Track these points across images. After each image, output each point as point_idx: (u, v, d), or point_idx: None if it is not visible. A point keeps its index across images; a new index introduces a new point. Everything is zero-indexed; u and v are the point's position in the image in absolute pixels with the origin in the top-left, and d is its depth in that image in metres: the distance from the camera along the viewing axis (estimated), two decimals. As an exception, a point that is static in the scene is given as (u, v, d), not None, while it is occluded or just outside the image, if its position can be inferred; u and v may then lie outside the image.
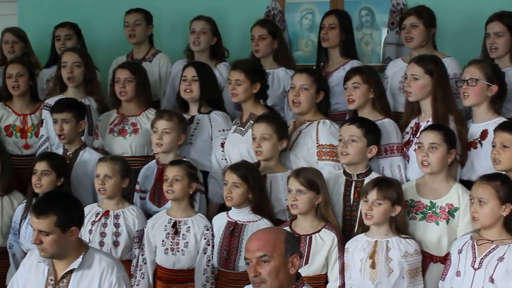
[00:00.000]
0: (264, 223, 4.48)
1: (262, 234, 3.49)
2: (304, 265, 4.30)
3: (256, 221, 4.51)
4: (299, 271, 4.10)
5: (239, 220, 4.55)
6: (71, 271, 3.77)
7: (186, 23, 5.97)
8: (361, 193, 4.35)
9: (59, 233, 3.69)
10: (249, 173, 4.52)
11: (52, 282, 3.79)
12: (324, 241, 4.33)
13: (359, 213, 4.39)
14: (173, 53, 6.18)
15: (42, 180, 4.82)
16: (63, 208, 3.75)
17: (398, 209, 4.20)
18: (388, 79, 5.36)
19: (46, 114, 5.41)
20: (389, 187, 4.20)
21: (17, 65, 5.52)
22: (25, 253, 4.79)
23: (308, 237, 4.35)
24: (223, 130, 5.14)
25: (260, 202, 4.55)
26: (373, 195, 4.18)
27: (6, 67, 5.56)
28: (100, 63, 6.12)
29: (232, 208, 4.59)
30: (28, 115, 5.56)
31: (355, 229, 4.42)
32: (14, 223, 4.96)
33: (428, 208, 4.32)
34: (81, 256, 3.77)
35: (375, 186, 4.20)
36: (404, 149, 4.71)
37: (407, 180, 4.62)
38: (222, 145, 5.10)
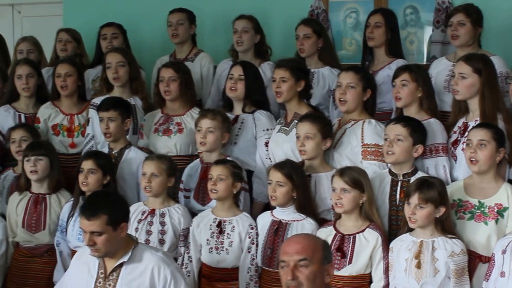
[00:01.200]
0: (309, 222, 4.48)
1: (301, 238, 3.51)
2: (348, 264, 4.29)
3: (300, 220, 4.51)
4: (343, 270, 4.15)
5: (283, 219, 4.55)
6: (120, 265, 3.82)
7: (228, 22, 5.99)
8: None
9: (110, 232, 3.76)
10: (293, 171, 4.51)
11: (102, 276, 3.85)
12: (368, 240, 4.31)
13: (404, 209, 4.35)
14: (215, 52, 6.19)
15: (88, 178, 4.86)
16: (111, 206, 3.82)
17: (442, 210, 4.16)
18: (432, 78, 5.30)
19: (92, 113, 5.45)
20: (430, 189, 4.16)
21: (66, 65, 5.56)
22: (72, 250, 4.89)
23: (352, 236, 4.33)
24: (267, 130, 5.14)
25: (305, 201, 4.54)
26: (415, 199, 4.16)
27: (55, 67, 5.61)
28: (144, 63, 6.17)
29: (277, 207, 4.59)
30: (75, 115, 5.60)
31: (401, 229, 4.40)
32: (61, 221, 5.01)
33: (476, 208, 4.28)
34: (131, 250, 3.82)
35: (417, 189, 4.17)
36: (451, 148, 4.67)
37: (453, 181, 4.58)
38: (266, 144, 5.10)
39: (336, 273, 3.89)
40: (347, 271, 4.26)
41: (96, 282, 3.86)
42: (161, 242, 4.72)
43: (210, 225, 4.66)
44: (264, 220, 4.63)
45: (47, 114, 5.57)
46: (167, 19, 6.06)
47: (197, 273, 4.71)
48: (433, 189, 4.15)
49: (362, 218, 4.38)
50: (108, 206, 3.81)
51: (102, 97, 5.44)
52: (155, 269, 3.81)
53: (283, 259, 3.35)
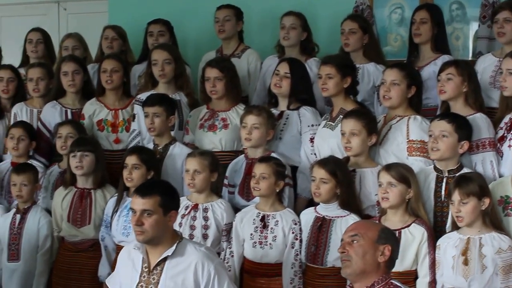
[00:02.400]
0: (353, 219, 4.45)
1: (361, 221, 3.83)
2: (395, 260, 4.27)
3: (344, 216, 4.49)
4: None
5: (327, 215, 4.54)
6: (164, 259, 3.82)
7: (275, 19, 5.98)
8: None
9: (160, 215, 3.76)
10: (337, 168, 4.50)
11: (146, 270, 3.85)
12: (414, 236, 4.29)
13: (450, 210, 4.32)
14: (262, 49, 6.17)
15: (132, 173, 4.88)
16: (166, 190, 3.87)
17: (486, 201, 4.13)
18: (478, 74, 5.23)
19: (137, 109, 5.48)
20: (469, 183, 4.13)
21: (113, 61, 5.59)
22: (117, 245, 4.93)
23: (397, 232, 4.28)
24: (312, 125, 5.12)
25: (348, 197, 4.53)
26: (456, 196, 4.13)
27: (102, 62, 5.65)
28: (190, 59, 6.19)
29: (320, 203, 4.58)
30: (120, 110, 5.62)
31: (447, 226, 4.36)
32: (106, 216, 5.04)
33: (523, 204, 4.23)
34: (175, 245, 3.82)
35: (456, 186, 4.15)
36: (498, 144, 4.61)
37: (500, 176, 4.52)
38: (311, 140, 5.08)
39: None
40: (394, 267, 4.22)
41: (140, 276, 3.87)
42: (204, 236, 4.74)
43: (254, 219, 4.66)
44: (308, 216, 4.63)
45: (92, 110, 5.61)
46: (214, 15, 6.06)
47: (239, 269, 4.72)
48: (472, 183, 4.13)
49: (408, 213, 4.36)
50: (162, 189, 3.86)
51: (147, 93, 5.46)
52: (199, 264, 3.80)
53: (341, 238, 3.49)
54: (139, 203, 3.78)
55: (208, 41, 6.55)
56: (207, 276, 3.79)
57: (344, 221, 4.44)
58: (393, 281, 3.43)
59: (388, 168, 4.38)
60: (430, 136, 4.51)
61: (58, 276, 5.13)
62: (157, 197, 3.77)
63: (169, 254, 3.81)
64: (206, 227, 4.75)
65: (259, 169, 4.67)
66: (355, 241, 3.40)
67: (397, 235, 4.25)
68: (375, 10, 6.40)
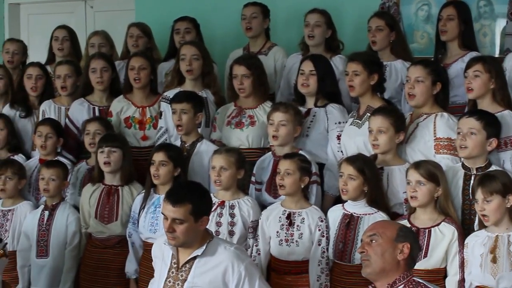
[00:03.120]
0: (381, 216, 4.45)
1: (380, 221, 3.88)
2: (423, 258, 4.24)
3: (372, 213, 4.49)
4: (417, 264, 4.09)
5: (355, 213, 4.53)
6: (194, 258, 3.84)
7: (301, 16, 5.96)
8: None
9: (192, 222, 3.78)
10: (365, 165, 4.49)
11: (175, 266, 3.88)
12: (444, 234, 4.27)
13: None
14: (288, 46, 6.17)
15: (159, 170, 4.90)
16: (197, 197, 3.85)
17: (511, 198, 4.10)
18: (506, 71, 5.20)
19: (164, 106, 5.50)
20: (492, 181, 4.10)
21: (140, 59, 5.61)
22: (144, 241, 4.95)
23: (427, 230, 4.29)
24: (339, 123, 5.11)
25: (376, 194, 4.52)
26: (479, 194, 4.10)
27: (129, 60, 5.67)
28: (216, 56, 6.17)
29: (348, 200, 4.57)
30: (147, 107, 5.65)
31: (475, 224, 4.33)
32: (133, 213, 5.06)
33: (552, 202, 4.19)
34: (205, 244, 3.84)
35: (479, 185, 4.12)
36: (526, 142, 4.59)
37: (529, 174, 4.49)
38: (338, 137, 5.07)
39: (410, 266, 3.87)
40: (422, 264, 4.21)
41: (169, 272, 3.90)
42: (231, 233, 4.75)
43: (280, 217, 4.66)
44: (336, 213, 4.62)
45: (119, 107, 5.64)
46: (241, 13, 6.07)
47: (265, 266, 4.71)
48: (495, 181, 4.10)
49: (437, 211, 4.33)
50: (194, 196, 3.84)
51: (174, 90, 5.48)
52: (229, 265, 3.81)
53: (361, 239, 3.55)
54: (170, 210, 3.79)
55: (234, 38, 6.58)
56: (238, 276, 3.81)
57: (372, 219, 4.42)
58: (415, 278, 3.45)
59: (417, 166, 4.36)
60: (459, 133, 4.48)
61: (85, 272, 5.16)
62: (188, 205, 3.78)
63: (199, 253, 3.83)
64: (232, 224, 4.76)
65: (284, 166, 4.67)
66: (373, 241, 3.44)
67: (427, 233, 4.28)
68: (402, 7, 6.38)
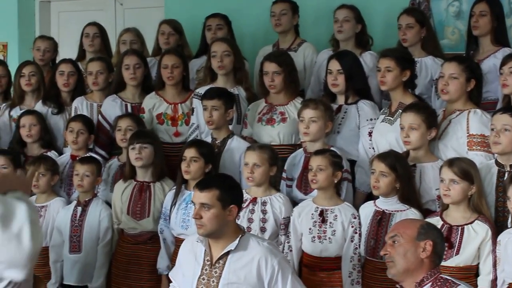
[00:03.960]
0: (413, 213, 4.43)
1: (401, 220, 3.82)
2: (455, 255, 4.23)
3: (404, 210, 4.47)
4: (449, 260, 4.09)
5: (386, 209, 4.52)
6: (227, 253, 3.85)
7: (330, 12, 5.96)
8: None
9: (219, 208, 3.79)
10: (397, 162, 4.48)
11: (209, 263, 3.88)
12: (477, 232, 4.24)
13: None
14: (317, 43, 6.16)
15: (190, 166, 4.91)
16: (225, 185, 3.88)
17: None
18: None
19: (196, 103, 5.51)
20: None
21: (173, 56, 5.62)
22: (175, 238, 4.97)
23: (460, 227, 4.27)
24: (371, 119, 5.10)
25: (408, 191, 4.50)
26: (511, 192, 4.08)
27: (162, 57, 5.69)
28: (246, 53, 6.18)
29: (380, 197, 4.57)
30: (179, 104, 5.66)
31: (508, 222, 4.31)
32: (165, 209, 5.07)
33: None
34: (238, 239, 3.84)
35: (510, 182, 4.10)
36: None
37: (562, 171, 4.46)
38: (370, 134, 5.07)
39: (442, 263, 3.85)
40: (453, 261, 4.20)
41: (202, 269, 3.89)
42: (262, 230, 4.75)
43: (312, 214, 4.66)
44: (367, 210, 4.61)
45: (152, 104, 5.66)
46: (270, 9, 6.07)
47: (297, 263, 4.71)
48: None
49: (471, 209, 4.31)
50: (222, 183, 3.87)
51: (206, 87, 5.49)
52: (262, 259, 3.81)
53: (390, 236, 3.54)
54: (198, 196, 3.83)
55: (263, 35, 6.59)
56: (271, 271, 3.80)
57: (404, 215, 4.41)
58: (443, 276, 3.45)
59: (451, 164, 4.33)
60: (492, 130, 4.45)
61: (117, 268, 5.19)
62: (216, 191, 3.80)
63: (232, 248, 3.83)
64: (264, 221, 4.76)
65: (316, 162, 4.66)
66: (395, 242, 3.46)
67: (459, 231, 4.26)
68: (432, 3, 6.36)
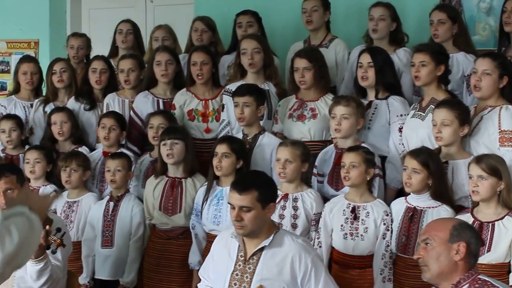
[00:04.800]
0: (445, 210, 4.43)
1: (433, 221, 3.66)
2: (486, 252, 4.21)
3: (436, 207, 4.46)
4: (480, 258, 4.06)
5: (418, 206, 4.51)
6: (261, 249, 3.85)
7: (361, 9, 5.96)
8: None
9: (259, 209, 3.79)
10: (429, 159, 4.46)
11: (242, 259, 3.89)
12: (508, 229, 4.22)
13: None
14: (348, 39, 6.14)
15: (222, 162, 4.92)
16: (263, 184, 3.87)
17: None
18: None
19: (227, 99, 5.52)
20: None
21: (202, 54, 5.63)
22: (207, 233, 4.99)
23: (490, 224, 4.25)
24: (401, 115, 5.08)
25: (440, 188, 4.48)
26: None
27: (190, 55, 5.71)
28: (277, 49, 6.18)
29: (411, 193, 4.55)
30: (210, 100, 5.68)
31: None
32: (196, 205, 5.09)
33: None
34: (272, 235, 3.85)
35: None
36: None
37: None
38: (400, 130, 5.05)
39: (474, 261, 3.85)
40: (485, 259, 4.18)
41: (235, 265, 3.90)
42: (294, 226, 4.75)
43: (344, 210, 4.65)
44: (398, 206, 4.60)
45: (183, 100, 5.68)
46: (301, 6, 6.06)
47: (327, 259, 4.70)
48: None
49: (501, 205, 4.29)
50: (260, 183, 3.86)
51: (236, 83, 5.50)
52: (296, 256, 3.82)
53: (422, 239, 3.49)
54: (236, 199, 3.81)
55: (294, 31, 6.58)
56: (304, 268, 3.81)
57: (436, 212, 4.42)
58: (481, 277, 3.39)
59: (479, 160, 4.31)
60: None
61: (149, 263, 5.22)
62: (255, 192, 3.79)
63: (266, 244, 3.84)
64: (295, 217, 4.77)
65: (349, 158, 4.66)
66: (428, 244, 3.41)
67: (490, 227, 4.24)
68: (463, -1, 6.33)
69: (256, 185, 3.83)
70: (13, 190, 4.31)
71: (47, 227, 3.93)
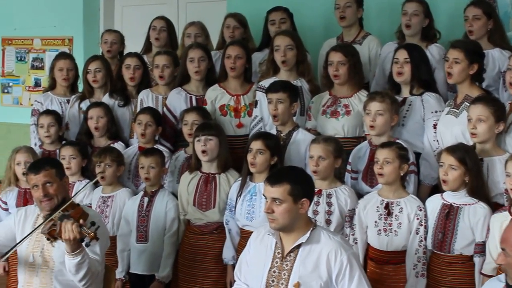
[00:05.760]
0: (481, 207, 4.41)
1: (508, 228, 3.51)
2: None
3: (472, 204, 4.45)
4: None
5: (454, 203, 4.49)
6: (298, 246, 3.87)
7: (394, 5, 5.95)
8: None
9: (291, 203, 3.81)
10: (466, 155, 4.45)
11: (279, 256, 3.90)
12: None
13: None
14: (380, 35, 6.13)
15: (256, 158, 4.92)
16: (296, 179, 3.89)
17: None
18: None
19: (260, 95, 5.54)
20: None
21: (237, 48, 5.66)
22: (241, 229, 5.01)
23: (528, 221, 4.23)
24: (436, 112, 5.07)
25: (477, 185, 4.46)
26: None
27: (226, 48, 5.72)
28: (307, 45, 6.14)
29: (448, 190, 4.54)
30: (241, 95, 5.70)
31: None
32: (230, 200, 5.11)
33: None
34: (309, 232, 3.86)
35: None
36: None
37: None
38: (435, 126, 5.04)
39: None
40: None
41: (273, 262, 3.92)
42: (327, 222, 4.76)
43: (377, 206, 4.66)
44: (434, 203, 4.59)
45: (214, 96, 5.70)
46: (335, 2, 6.05)
47: (363, 255, 4.71)
48: None
49: (540, 203, 4.27)
50: (292, 177, 3.88)
51: (269, 80, 5.52)
52: (332, 253, 3.83)
53: (501, 247, 3.45)
54: (268, 190, 3.85)
55: (325, 28, 6.61)
56: (339, 265, 3.82)
57: (472, 209, 4.41)
58: None
59: None
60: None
61: (183, 258, 5.26)
62: (287, 185, 3.82)
63: (303, 241, 3.85)
64: (329, 213, 4.78)
65: (382, 154, 4.66)
66: (506, 252, 3.37)
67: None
68: (498, -5, 6.29)
69: (289, 178, 3.85)
70: (52, 183, 4.34)
71: (81, 221, 4.01)
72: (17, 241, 4.35)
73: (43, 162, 4.56)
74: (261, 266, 3.95)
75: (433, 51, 5.56)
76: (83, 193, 5.48)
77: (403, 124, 5.14)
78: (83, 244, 4.03)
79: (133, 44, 7.01)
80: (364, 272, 4.03)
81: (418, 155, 5.07)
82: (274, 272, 3.90)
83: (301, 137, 5.22)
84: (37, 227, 4.22)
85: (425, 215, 4.57)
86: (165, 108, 5.82)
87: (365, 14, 6.20)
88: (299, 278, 3.83)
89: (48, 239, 4.20)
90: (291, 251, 3.88)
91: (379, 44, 5.97)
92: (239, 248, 4.99)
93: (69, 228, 3.97)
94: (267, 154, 4.94)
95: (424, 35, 5.72)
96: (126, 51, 6.81)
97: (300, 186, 3.86)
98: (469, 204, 4.45)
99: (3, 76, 8.36)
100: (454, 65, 4.89)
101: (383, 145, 4.73)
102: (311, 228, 3.89)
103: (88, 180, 5.54)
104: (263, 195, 3.92)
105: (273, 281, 3.90)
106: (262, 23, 6.38)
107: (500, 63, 5.35)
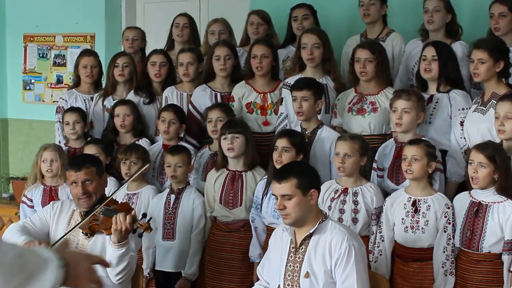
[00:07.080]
0: (510, 205, 4.39)
1: None
2: None
3: (501, 202, 4.42)
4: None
5: (483, 201, 4.48)
6: (308, 238, 3.94)
7: (417, 1, 5.92)
8: None
9: (300, 196, 3.89)
10: (496, 153, 4.43)
11: (293, 250, 3.98)
12: None
13: None
14: (403, 32, 6.09)
15: (282, 156, 4.92)
16: (301, 171, 3.98)
17: None
18: None
19: (285, 92, 5.54)
20: None
21: (263, 47, 5.65)
22: (267, 226, 5.02)
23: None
24: (463, 109, 5.06)
25: (506, 183, 4.43)
26: None
27: (251, 47, 5.73)
28: (331, 42, 6.14)
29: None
30: (268, 93, 5.70)
31: None
32: (256, 198, 5.12)
33: None
34: (318, 223, 3.93)
35: None
36: None
37: None
38: (462, 123, 5.02)
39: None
40: None
41: (288, 256, 4.01)
42: (354, 221, 4.76)
43: (405, 204, 4.65)
44: (463, 201, 4.58)
45: (241, 93, 5.71)
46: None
47: (390, 253, 4.70)
48: None
49: None
50: (298, 171, 3.97)
51: (295, 77, 5.52)
52: (333, 241, 3.89)
53: None
54: (277, 188, 3.93)
55: (348, 25, 6.59)
56: (338, 253, 3.87)
57: (502, 207, 4.39)
58: None
59: None
60: None
61: (210, 255, 5.27)
62: (293, 179, 3.89)
63: (311, 231, 3.92)
64: (356, 211, 4.78)
65: (410, 152, 4.65)
66: None
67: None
68: (521, -10, 6.24)
69: (294, 172, 3.93)
70: (92, 181, 4.37)
71: (133, 212, 4.10)
72: (51, 234, 4.43)
73: (84, 159, 4.57)
74: (278, 263, 4.04)
75: (457, 49, 5.52)
76: (107, 190, 5.49)
77: (430, 121, 5.13)
78: (136, 235, 4.10)
79: (155, 41, 7.02)
80: (367, 267, 4.04)
81: (444, 152, 5.06)
82: (290, 266, 3.98)
83: (326, 135, 5.22)
84: (81, 221, 4.25)
85: (453, 213, 4.57)
86: (190, 106, 5.83)
87: (389, 11, 6.18)
88: (309, 267, 3.91)
89: (86, 234, 4.23)
90: (301, 244, 3.96)
91: (403, 41, 5.95)
92: (265, 246, 4.99)
93: (122, 219, 4.03)
94: (293, 152, 4.94)
95: (447, 31, 5.70)
96: (147, 48, 6.81)
97: (306, 178, 3.94)
98: (498, 202, 4.43)
99: (25, 73, 8.37)
100: (480, 65, 4.87)
101: (411, 142, 4.73)
102: (321, 219, 3.96)
103: (113, 178, 5.55)
104: (273, 194, 3.98)
105: (289, 275, 3.98)
106: (286, 19, 6.36)
107: (527, 59, 5.32)
